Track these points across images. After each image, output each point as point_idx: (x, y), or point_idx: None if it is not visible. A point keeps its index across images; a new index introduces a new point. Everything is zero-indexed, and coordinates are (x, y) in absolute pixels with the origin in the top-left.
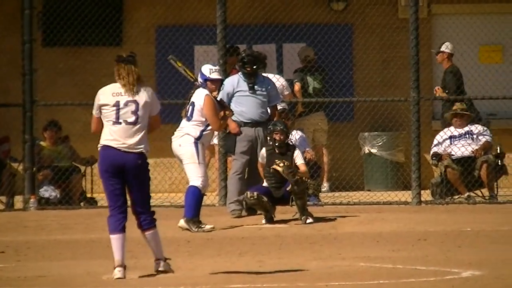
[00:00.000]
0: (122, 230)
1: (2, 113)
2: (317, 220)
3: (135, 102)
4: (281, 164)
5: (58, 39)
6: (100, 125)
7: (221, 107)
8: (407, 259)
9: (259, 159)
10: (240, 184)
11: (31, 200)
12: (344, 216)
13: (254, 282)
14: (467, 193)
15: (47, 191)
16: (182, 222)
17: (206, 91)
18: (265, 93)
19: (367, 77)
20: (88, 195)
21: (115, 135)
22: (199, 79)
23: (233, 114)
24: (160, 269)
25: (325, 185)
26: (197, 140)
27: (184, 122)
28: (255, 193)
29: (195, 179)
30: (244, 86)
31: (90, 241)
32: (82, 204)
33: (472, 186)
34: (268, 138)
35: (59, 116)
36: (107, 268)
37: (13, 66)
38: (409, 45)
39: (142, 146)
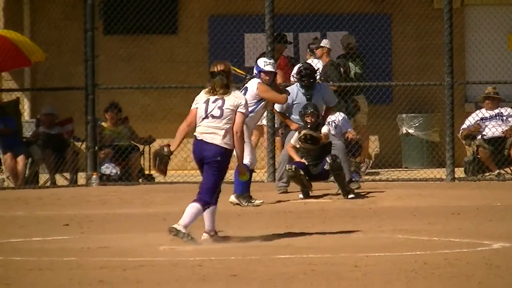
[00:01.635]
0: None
1: (66, 96)
2: (358, 195)
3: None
4: (302, 132)
5: (118, 27)
6: None
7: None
8: (442, 232)
9: (291, 141)
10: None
11: (93, 176)
12: (383, 192)
13: (300, 253)
14: (497, 171)
15: (108, 168)
16: (232, 198)
17: (259, 80)
18: (321, 101)
19: (405, 63)
20: (146, 172)
21: None
22: (254, 71)
23: (289, 93)
24: (172, 225)
25: (365, 163)
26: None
27: None
28: (293, 166)
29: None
30: (302, 97)
31: (147, 215)
32: (140, 180)
33: (502, 164)
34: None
35: (119, 99)
36: (163, 240)
37: (76, 53)
38: (444, 33)
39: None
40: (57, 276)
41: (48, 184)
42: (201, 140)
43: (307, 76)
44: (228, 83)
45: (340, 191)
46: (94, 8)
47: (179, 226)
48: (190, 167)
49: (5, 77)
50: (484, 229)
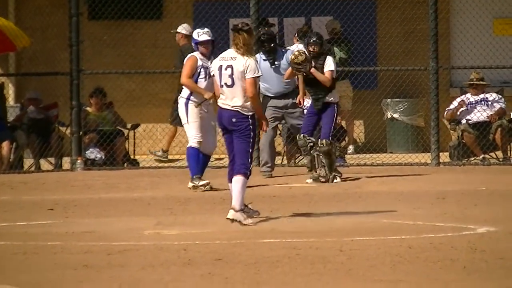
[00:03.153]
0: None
1: (51, 81)
2: (343, 180)
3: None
4: (297, 52)
5: (102, 13)
6: None
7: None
8: (427, 216)
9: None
10: (270, 148)
11: (78, 161)
12: (368, 176)
13: (285, 237)
14: (482, 155)
15: (93, 153)
16: (190, 184)
17: (194, 53)
18: (286, 65)
19: (390, 48)
20: (131, 157)
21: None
22: (193, 45)
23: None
24: (228, 217)
25: (350, 148)
26: (188, 99)
27: None
28: (304, 135)
29: (189, 139)
30: (265, 65)
31: (132, 199)
32: (125, 165)
33: (487, 149)
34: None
35: (104, 84)
36: (148, 224)
37: (61, 39)
38: (429, 18)
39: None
40: (41, 260)
41: (32, 168)
42: (220, 107)
43: (267, 41)
44: (252, 43)
45: (326, 175)
46: None
47: (236, 213)
48: (175, 152)
49: None
50: (469, 213)
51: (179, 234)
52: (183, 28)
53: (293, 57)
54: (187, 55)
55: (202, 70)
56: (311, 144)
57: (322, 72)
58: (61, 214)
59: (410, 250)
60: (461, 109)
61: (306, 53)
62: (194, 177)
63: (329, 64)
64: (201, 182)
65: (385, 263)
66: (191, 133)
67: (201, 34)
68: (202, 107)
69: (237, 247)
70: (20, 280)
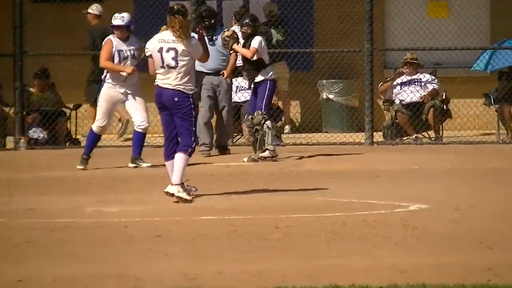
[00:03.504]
0: (170, 157)
1: None
2: (280, 159)
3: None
4: (227, 31)
5: None
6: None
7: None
8: (361, 194)
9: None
10: (207, 128)
11: (21, 140)
12: (304, 156)
13: (222, 215)
14: (415, 135)
15: (36, 133)
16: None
17: (109, 36)
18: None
19: (326, 30)
20: (73, 137)
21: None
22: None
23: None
24: (166, 190)
25: (286, 127)
26: (104, 82)
27: None
28: (251, 116)
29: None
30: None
31: (74, 178)
32: (67, 144)
33: (420, 129)
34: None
35: (47, 65)
36: (90, 201)
37: (4, 21)
38: (364, 1)
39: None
40: None
41: None
42: (159, 86)
43: (207, 17)
44: (188, 26)
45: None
46: None
47: (174, 188)
48: (115, 132)
49: None
50: (402, 191)
51: (119, 212)
52: (93, 9)
53: (222, 33)
54: (95, 36)
55: (116, 53)
56: (254, 125)
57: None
58: (4, 192)
59: (344, 227)
60: (395, 82)
61: (236, 31)
62: (83, 157)
63: (254, 42)
64: (144, 164)
65: (320, 239)
66: (97, 116)
67: (115, 19)
68: (126, 89)
69: (176, 224)
70: None
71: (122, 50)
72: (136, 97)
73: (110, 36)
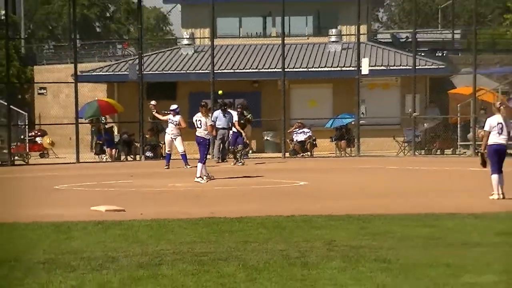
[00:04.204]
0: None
1: None
2: (246, 164)
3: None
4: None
5: None
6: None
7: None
8: (278, 177)
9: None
10: (219, 149)
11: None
12: (258, 163)
13: (220, 181)
14: (302, 154)
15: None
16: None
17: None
18: (228, 116)
19: (268, 108)
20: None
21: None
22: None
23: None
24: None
25: (250, 151)
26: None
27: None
28: (233, 147)
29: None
30: (220, 114)
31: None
32: (161, 158)
33: (304, 152)
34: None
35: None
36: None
37: None
38: None
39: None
40: None
41: None
42: (196, 135)
43: (225, 106)
44: (207, 111)
45: (237, 162)
46: None
47: (197, 178)
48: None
49: None
50: (297, 176)
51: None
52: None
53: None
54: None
55: (169, 121)
56: (236, 150)
57: (242, 123)
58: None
59: (254, 189)
60: (294, 130)
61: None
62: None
63: (233, 117)
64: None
65: (239, 195)
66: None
67: (172, 106)
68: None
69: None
70: None
71: (173, 121)
72: (177, 138)
73: (169, 115)
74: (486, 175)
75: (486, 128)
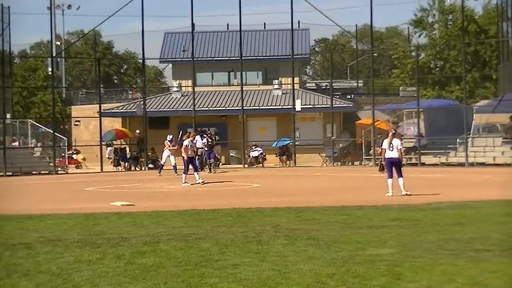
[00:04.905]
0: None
1: None
2: (217, 173)
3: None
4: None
5: None
6: None
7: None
8: (243, 182)
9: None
10: (201, 162)
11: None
12: (225, 171)
13: (207, 185)
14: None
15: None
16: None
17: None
18: (204, 140)
19: (233, 134)
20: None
21: None
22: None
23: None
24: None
25: (220, 163)
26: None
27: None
28: (209, 160)
29: None
30: (199, 138)
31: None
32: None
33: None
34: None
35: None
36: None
37: None
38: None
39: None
40: None
41: None
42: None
43: (205, 134)
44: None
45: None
46: None
47: (184, 183)
48: None
49: None
50: (255, 181)
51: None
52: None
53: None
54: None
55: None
56: (210, 163)
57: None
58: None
59: (225, 189)
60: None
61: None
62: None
63: (198, 143)
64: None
65: (219, 194)
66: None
67: (169, 136)
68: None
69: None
70: None
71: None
72: (171, 156)
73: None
74: (383, 179)
75: (383, 146)
